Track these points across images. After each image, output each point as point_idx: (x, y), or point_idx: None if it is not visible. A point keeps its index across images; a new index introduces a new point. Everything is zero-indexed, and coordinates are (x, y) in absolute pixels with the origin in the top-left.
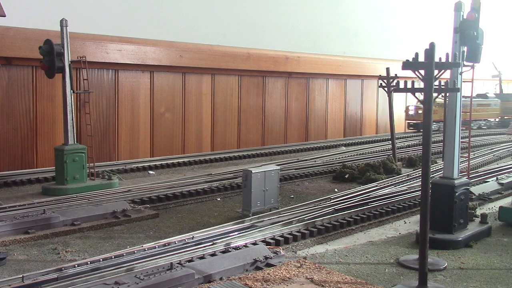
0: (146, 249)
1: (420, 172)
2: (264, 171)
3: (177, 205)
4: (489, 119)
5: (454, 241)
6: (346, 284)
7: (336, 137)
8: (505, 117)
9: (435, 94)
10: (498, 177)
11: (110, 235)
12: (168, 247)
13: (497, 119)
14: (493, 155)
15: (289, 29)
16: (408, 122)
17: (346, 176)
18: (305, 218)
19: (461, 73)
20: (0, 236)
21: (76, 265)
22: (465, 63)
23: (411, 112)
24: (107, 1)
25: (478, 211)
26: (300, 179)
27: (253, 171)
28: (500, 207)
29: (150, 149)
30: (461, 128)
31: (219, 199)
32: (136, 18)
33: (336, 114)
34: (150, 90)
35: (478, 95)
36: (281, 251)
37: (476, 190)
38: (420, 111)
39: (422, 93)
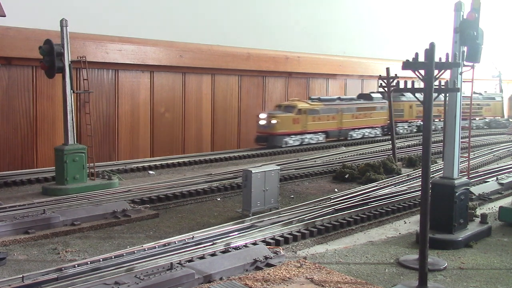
0: (146, 249)
1: (420, 172)
2: (264, 171)
3: (177, 205)
4: (375, 127)
5: (454, 241)
6: (346, 284)
7: None
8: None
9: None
10: (498, 177)
11: (110, 235)
12: (168, 247)
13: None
14: (493, 155)
15: (289, 29)
16: (257, 135)
17: (346, 176)
18: (305, 218)
19: (461, 73)
20: (0, 236)
21: (76, 265)
22: (465, 63)
23: (262, 122)
24: (107, 1)
25: (478, 211)
26: (300, 179)
27: (253, 171)
28: (500, 207)
29: (150, 149)
30: (460, 128)
31: (219, 199)
32: (136, 18)
33: None
34: (150, 90)
35: (361, 96)
36: (281, 251)
37: (476, 190)
38: (273, 121)
39: (422, 93)
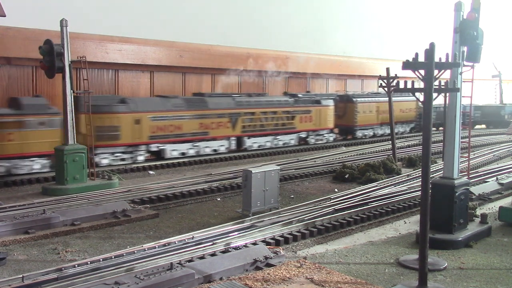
0: (146, 249)
1: (420, 172)
2: (264, 171)
3: (177, 205)
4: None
5: (454, 241)
6: (346, 284)
7: None
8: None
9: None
10: (498, 177)
11: (110, 235)
12: (168, 247)
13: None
14: (493, 155)
15: (289, 29)
16: None
17: (346, 176)
18: (305, 218)
19: (461, 73)
20: (0, 236)
21: (76, 265)
22: (465, 63)
23: None
24: (107, 1)
25: (478, 211)
26: (300, 179)
27: (253, 171)
28: (500, 207)
29: None
30: (461, 128)
31: (219, 199)
32: (136, 18)
33: None
34: (150, 90)
35: (11, 101)
36: (281, 251)
37: (476, 190)
38: None
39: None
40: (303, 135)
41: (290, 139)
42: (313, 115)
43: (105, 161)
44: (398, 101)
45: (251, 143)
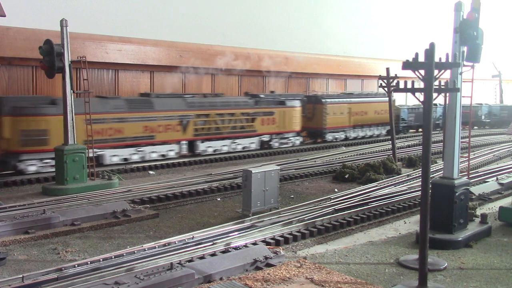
0: (146, 249)
1: (420, 172)
2: (264, 171)
3: (177, 205)
4: None
5: (454, 241)
6: (346, 284)
7: None
8: None
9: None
10: (498, 177)
11: (110, 235)
12: (168, 247)
13: None
14: (493, 155)
15: (289, 29)
16: None
17: (346, 176)
18: (305, 218)
19: (461, 73)
20: (0, 236)
21: (76, 265)
22: (465, 63)
23: None
24: (107, 1)
25: (478, 211)
26: (300, 179)
27: (253, 171)
28: (500, 207)
29: None
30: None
31: (219, 199)
32: (136, 18)
33: None
34: (150, 90)
35: None
36: (281, 251)
37: (476, 190)
38: None
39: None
40: (265, 138)
41: (251, 143)
42: (277, 117)
43: (32, 168)
44: (373, 101)
45: (205, 147)
